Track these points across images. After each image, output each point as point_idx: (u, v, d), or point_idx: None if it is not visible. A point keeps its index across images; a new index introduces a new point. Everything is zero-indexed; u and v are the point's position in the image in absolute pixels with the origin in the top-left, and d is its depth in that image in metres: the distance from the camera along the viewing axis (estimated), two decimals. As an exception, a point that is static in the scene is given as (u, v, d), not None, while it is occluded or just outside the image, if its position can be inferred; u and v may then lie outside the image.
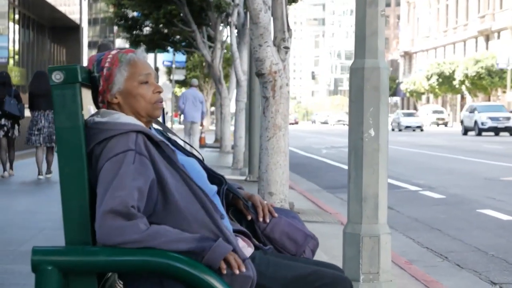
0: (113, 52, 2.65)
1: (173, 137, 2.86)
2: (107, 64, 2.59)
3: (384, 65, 4.29)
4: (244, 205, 2.78)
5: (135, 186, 2.39)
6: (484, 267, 6.20)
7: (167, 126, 2.91)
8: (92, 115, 2.57)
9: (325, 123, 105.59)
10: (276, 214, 2.77)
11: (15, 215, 8.41)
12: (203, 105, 18.34)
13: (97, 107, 2.64)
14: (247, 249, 2.54)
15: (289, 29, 7.51)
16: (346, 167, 15.93)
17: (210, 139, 31.23)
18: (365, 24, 4.25)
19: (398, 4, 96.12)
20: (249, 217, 2.76)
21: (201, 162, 2.76)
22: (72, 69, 2.39)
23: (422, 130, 52.85)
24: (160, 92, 2.64)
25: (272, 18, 7.49)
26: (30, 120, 12.67)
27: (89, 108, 2.63)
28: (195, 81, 19.05)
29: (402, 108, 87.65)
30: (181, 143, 2.88)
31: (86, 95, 2.57)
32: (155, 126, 2.81)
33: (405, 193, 11.72)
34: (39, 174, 12.53)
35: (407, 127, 53.36)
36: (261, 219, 2.74)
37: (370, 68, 4.26)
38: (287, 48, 7.52)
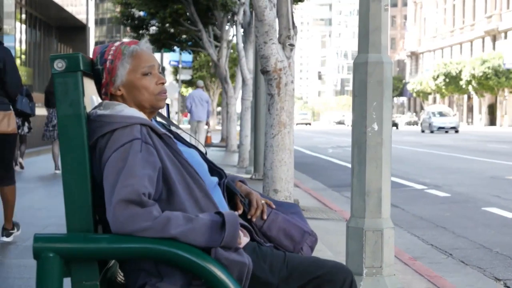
0: (116, 43, 2.64)
1: (176, 130, 2.86)
2: (109, 57, 2.58)
3: (387, 60, 4.30)
4: (240, 201, 2.77)
5: (145, 174, 2.41)
6: (489, 263, 6.19)
7: (170, 120, 2.91)
8: (95, 108, 2.58)
9: (341, 123, 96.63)
10: (265, 217, 2.73)
11: (19, 211, 8.41)
12: (208, 105, 19.68)
13: (101, 98, 2.65)
14: (243, 239, 2.55)
15: (294, 27, 7.51)
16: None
17: (216, 139, 31.26)
18: (368, 19, 4.26)
19: (405, 4, 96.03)
20: (240, 211, 2.74)
21: (202, 154, 2.77)
22: (74, 57, 2.40)
23: (457, 131, 46.79)
24: (163, 83, 2.64)
25: (277, 16, 7.49)
26: (46, 117, 13.28)
27: (92, 98, 2.64)
28: (200, 82, 20.29)
29: (409, 109, 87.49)
30: (185, 136, 2.88)
31: (89, 84, 2.57)
32: (158, 119, 2.82)
33: (410, 192, 11.71)
34: (56, 169, 13.35)
35: (440, 128, 47.29)
36: (249, 217, 2.72)
37: (373, 62, 4.27)
38: (292, 45, 7.52)
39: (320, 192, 11.33)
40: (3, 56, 6.13)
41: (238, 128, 23.30)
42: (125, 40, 2.67)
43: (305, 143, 30.52)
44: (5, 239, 6.30)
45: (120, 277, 2.68)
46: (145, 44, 2.66)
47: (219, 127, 55.11)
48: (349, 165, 17.27)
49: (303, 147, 27.14)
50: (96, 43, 75.02)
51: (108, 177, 2.40)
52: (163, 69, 44.44)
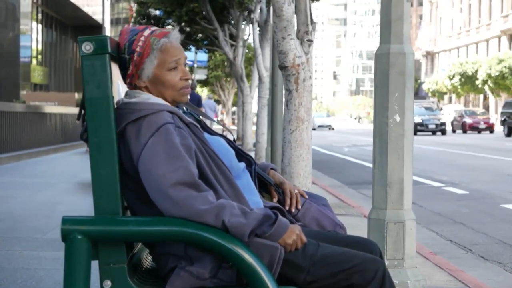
0: (146, 32, 2.57)
1: (205, 120, 2.87)
2: (138, 49, 2.53)
3: (409, 50, 4.28)
4: (275, 190, 2.79)
5: (187, 156, 2.42)
6: (509, 258, 6.16)
7: (197, 107, 2.92)
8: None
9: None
10: (300, 206, 2.76)
11: (39, 204, 8.50)
12: (215, 109, 25.63)
13: (125, 83, 2.65)
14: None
15: (312, 22, 7.49)
16: (368, 164, 15.94)
17: (231, 138, 31.23)
18: (390, 8, 4.24)
19: (420, 4, 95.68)
20: (275, 200, 2.76)
21: (230, 142, 2.78)
22: (102, 39, 2.40)
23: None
24: (188, 79, 2.61)
25: (295, 11, 7.48)
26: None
27: (117, 83, 2.64)
28: (210, 95, 29.19)
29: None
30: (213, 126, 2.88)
31: (115, 68, 2.56)
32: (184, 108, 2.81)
33: (427, 189, 11.66)
34: None
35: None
36: (287, 208, 2.74)
37: (395, 53, 4.25)
38: (310, 41, 7.48)
39: (337, 189, 11.30)
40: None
41: (254, 128, 23.50)
42: (154, 28, 2.62)
43: (320, 142, 30.47)
44: None
45: (147, 262, 2.68)
46: (174, 35, 2.62)
47: (234, 127, 55.07)
48: (365, 164, 17.20)
49: (319, 146, 27.10)
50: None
51: (150, 162, 2.39)
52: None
